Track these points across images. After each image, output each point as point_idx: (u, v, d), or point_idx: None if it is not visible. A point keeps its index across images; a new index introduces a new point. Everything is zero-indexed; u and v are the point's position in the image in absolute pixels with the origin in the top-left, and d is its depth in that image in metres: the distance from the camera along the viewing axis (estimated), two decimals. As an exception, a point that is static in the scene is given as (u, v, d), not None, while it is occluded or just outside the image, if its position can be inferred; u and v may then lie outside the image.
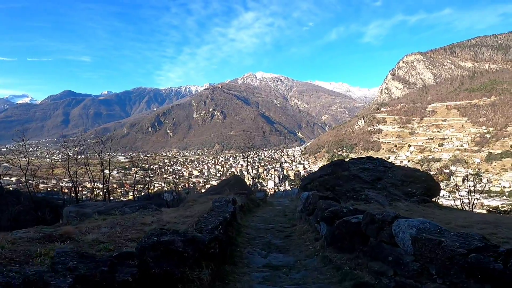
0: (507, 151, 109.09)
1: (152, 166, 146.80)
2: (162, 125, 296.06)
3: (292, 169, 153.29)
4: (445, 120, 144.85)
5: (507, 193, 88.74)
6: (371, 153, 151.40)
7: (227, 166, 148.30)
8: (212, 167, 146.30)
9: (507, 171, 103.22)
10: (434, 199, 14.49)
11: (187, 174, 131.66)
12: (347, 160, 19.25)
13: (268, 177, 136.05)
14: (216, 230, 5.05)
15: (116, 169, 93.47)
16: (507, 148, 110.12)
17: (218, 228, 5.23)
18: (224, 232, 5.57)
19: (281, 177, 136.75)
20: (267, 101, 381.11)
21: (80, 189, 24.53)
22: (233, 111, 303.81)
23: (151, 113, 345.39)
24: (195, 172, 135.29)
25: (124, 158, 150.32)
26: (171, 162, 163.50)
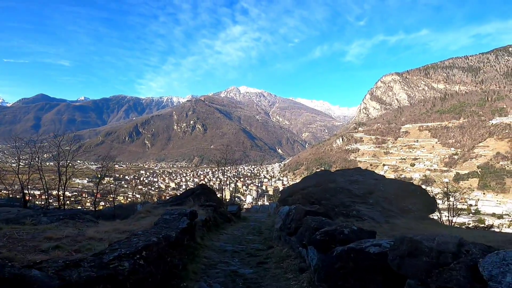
0: (474, 171, 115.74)
1: (126, 177, 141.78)
2: (140, 135, 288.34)
3: (271, 185, 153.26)
4: (417, 141, 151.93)
5: (473, 211, 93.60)
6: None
7: (206, 179, 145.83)
8: (190, 180, 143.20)
9: (473, 191, 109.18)
10: (431, 215, 13.38)
11: (163, 186, 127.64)
12: (333, 170, 18.29)
13: (247, 192, 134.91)
14: (127, 260, 3.09)
15: (87, 178, 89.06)
16: (473, 169, 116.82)
17: (133, 256, 3.23)
18: (153, 260, 3.59)
19: (259, 192, 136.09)
20: (249, 116, 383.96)
21: (44, 196, 22.72)
22: (215, 124, 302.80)
23: (129, 122, 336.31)
24: (172, 185, 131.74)
25: (97, 167, 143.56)
26: (148, 173, 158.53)
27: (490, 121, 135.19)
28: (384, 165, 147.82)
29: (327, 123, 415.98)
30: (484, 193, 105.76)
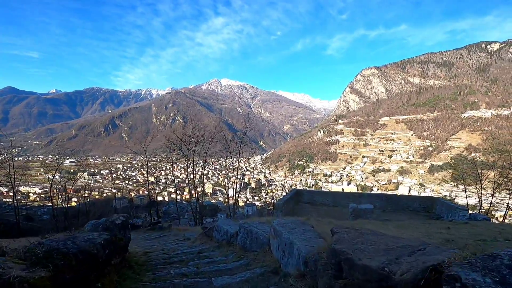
0: (448, 163, 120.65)
1: (102, 171, 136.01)
2: (117, 128, 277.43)
3: (254, 177, 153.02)
4: (394, 133, 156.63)
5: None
6: (329, 163, 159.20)
7: (187, 173, 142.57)
8: (170, 174, 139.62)
9: (447, 182, 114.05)
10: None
11: (142, 180, 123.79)
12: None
13: (229, 185, 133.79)
14: None
15: (59, 173, 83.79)
16: (447, 160, 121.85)
17: None
18: None
19: (242, 185, 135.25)
20: (230, 109, 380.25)
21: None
22: (195, 117, 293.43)
23: (105, 115, 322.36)
24: (151, 178, 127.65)
25: (70, 162, 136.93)
26: (125, 167, 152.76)
27: (462, 114, 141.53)
28: (363, 156, 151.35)
29: (308, 115, 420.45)
30: (457, 185, 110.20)
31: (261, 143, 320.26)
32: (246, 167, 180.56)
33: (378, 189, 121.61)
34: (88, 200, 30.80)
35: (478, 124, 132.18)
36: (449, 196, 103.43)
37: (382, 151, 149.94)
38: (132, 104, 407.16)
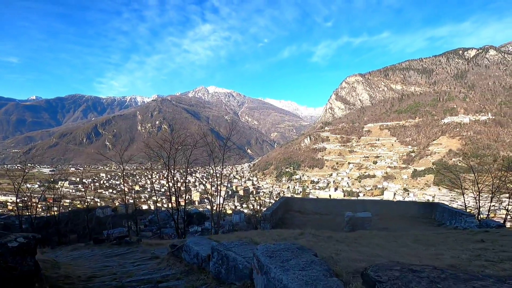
0: (429, 168, 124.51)
1: (84, 180, 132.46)
2: (100, 136, 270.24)
3: (241, 185, 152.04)
4: (378, 140, 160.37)
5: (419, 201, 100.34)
6: (316, 170, 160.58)
7: (167, 180, 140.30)
8: (156, 182, 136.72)
9: (430, 186, 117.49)
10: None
11: (127, 189, 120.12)
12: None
13: (216, 193, 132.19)
14: None
15: (38, 182, 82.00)
16: (429, 166, 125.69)
17: None
18: None
19: (230, 193, 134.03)
20: (217, 116, 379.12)
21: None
22: (182, 125, 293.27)
23: (88, 123, 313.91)
24: (137, 187, 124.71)
25: (50, 171, 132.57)
26: (109, 176, 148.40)
27: (442, 120, 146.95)
28: (349, 163, 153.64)
29: (295, 123, 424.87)
30: (439, 189, 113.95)
31: (248, 150, 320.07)
32: (233, 175, 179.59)
33: (364, 195, 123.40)
34: (70, 209, 29.39)
35: (458, 129, 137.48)
36: (432, 200, 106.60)
37: (367, 157, 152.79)
38: (116, 112, 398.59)
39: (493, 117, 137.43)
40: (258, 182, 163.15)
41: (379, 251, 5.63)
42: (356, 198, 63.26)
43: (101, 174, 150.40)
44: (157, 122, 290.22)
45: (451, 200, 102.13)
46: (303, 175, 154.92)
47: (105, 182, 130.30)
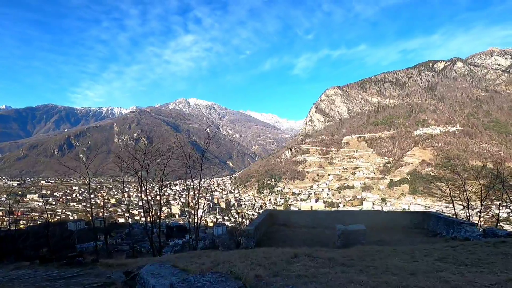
0: (404, 178, 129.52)
1: (56, 193, 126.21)
2: (74, 148, 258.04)
3: (223, 197, 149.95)
4: (356, 151, 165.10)
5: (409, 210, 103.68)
6: (297, 182, 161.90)
7: (152, 194, 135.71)
8: (134, 195, 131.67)
9: (405, 196, 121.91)
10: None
11: (101, 203, 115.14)
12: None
13: (197, 206, 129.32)
14: None
15: (5, 195, 75.82)
16: (404, 176, 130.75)
17: None
18: None
19: (211, 205, 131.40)
20: (198, 129, 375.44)
21: None
22: (161, 137, 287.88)
23: (60, 134, 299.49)
24: (113, 200, 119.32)
25: (18, 183, 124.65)
26: (82, 189, 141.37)
27: (415, 132, 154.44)
28: (329, 174, 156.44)
29: (276, 135, 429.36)
30: (414, 198, 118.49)
31: (230, 163, 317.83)
32: (215, 188, 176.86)
33: (344, 205, 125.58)
34: (40, 222, 27.54)
35: (429, 140, 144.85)
36: (408, 209, 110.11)
37: (346, 168, 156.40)
38: (92, 123, 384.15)
39: (462, 128, 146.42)
40: (240, 195, 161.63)
41: (415, 281, 4.48)
42: (345, 209, 61.93)
43: (74, 187, 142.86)
44: (135, 135, 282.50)
45: (426, 208, 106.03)
46: (284, 187, 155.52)
47: (77, 195, 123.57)
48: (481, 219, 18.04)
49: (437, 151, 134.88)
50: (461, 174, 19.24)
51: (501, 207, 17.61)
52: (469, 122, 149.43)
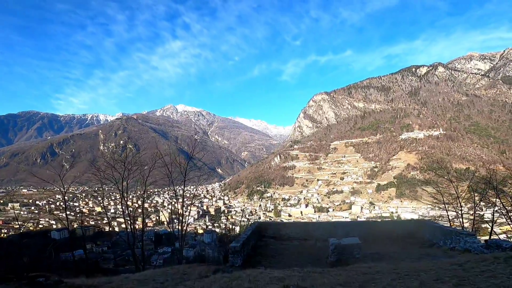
0: (391, 182, 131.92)
1: (38, 202, 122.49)
2: (57, 156, 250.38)
3: (212, 204, 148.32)
4: (344, 156, 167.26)
5: (395, 218, 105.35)
6: (286, 188, 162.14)
7: (139, 202, 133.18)
8: (119, 203, 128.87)
9: (393, 199, 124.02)
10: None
11: (86, 211, 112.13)
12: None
13: (187, 213, 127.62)
14: None
15: None
16: (391, 180, 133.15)
17: None
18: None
19: (200, 212, 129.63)
20: (187, 136, 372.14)
21: None
22: (149, 144, 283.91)
23: (43, 142, 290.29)
24: (98, 209, 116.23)
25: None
26: (66, 197, 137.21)
27: (400, 136, 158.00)
28: (318, 180, 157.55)
29: (264, 142, 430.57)
30: (401, 201, 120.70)
31: (219, 170, 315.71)
32: (204, 195, 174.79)
33: (333, 210, 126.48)
34: (22, 231, 26.50)
35: (414, 144, 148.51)
36: (395, 212, 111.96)
37: (335, 173, 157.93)
38: (76, 130, 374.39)
39: (444, 132, 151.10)
40: (229, 201, 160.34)
41: None
42: (337, 220, 60.40)
43: (58, 196, 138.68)
44: (121, 142, 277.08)
45: (412, 211, 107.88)
46: (274, 193, 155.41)
47: (61, 203, 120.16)
48: (466, 220, 17.92)
49: (422, 155, 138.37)
50: (454, 182, 18.84)
51: (494, 214, 17.40)
52: (451, 126, 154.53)
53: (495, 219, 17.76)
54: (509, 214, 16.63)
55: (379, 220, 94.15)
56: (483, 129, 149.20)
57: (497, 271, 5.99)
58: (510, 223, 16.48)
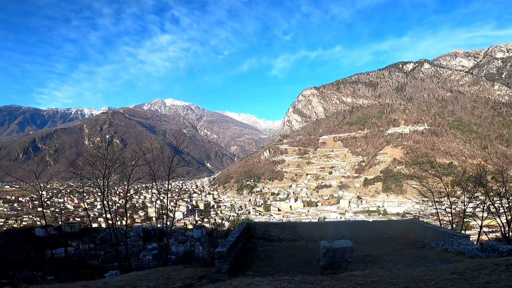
0: (378, 176, 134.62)
1: (21, 198, 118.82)
2: (40, 151, 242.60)
3: (201, 199, 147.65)
4: (333, 151, 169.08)
5: (382, 212, 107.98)
6: (276, 182, 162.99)
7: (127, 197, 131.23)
8: (106, 199, 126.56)
9: (379, 193, 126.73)
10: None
11: (72, 207, 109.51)
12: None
13: (176, 208, 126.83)
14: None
15: None
16: (377, 174, 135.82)
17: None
18: None
19: (190, 208, 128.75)
20: (175, 130, 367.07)
21: None
22: (136, 139, 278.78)
23: (25, 137, 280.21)
24: (84, 205, 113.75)
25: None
26: (50, 193, 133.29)
27: (386, 131, 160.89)
28: (307, 174, 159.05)
29: (254, 136, 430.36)
30: (387, 195, 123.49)
31: (208, 164, 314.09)
32: (193, 190, 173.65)
33: (322, 204, 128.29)
34: (5, 229, 25.59)
35: (400, 139, 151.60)
36: (382, 206, 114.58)
37: (323, 168, 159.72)
38: (59, 125, 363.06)
39: (429, 127, 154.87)
40: (219, 196, 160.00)
41: None
42: (327, 221, 59.33)
43: (42, 192, 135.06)
44: (107, 136, 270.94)
45: (398, 205, 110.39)
46: (263, 188, 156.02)
47: (45, 200, 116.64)
48: (448, 214, 17.93)
49: (407, 150, 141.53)
50: (438, 178, 18.86)
51: (476, 208, 17.65)
52: (436, 122, 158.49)
53: (475, 212, 18.06)
54: (492, 209, 17.03)
55: (369, 216, 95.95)
56: (466, 125, 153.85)
57: (502, 282, 5.36)
58: (494, 218, 16.87)
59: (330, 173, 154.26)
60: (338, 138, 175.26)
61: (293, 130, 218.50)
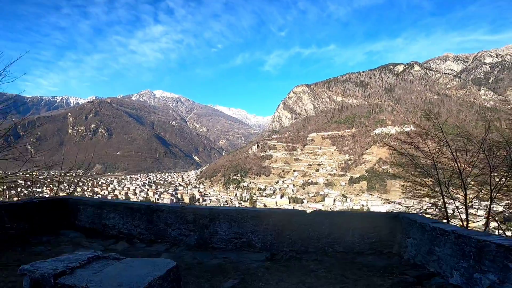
0: (363, 175, 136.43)
1: None
2: (21, 139, 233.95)
3: (187, 192, 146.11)
4: (320, 148, 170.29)
5: (365, 210, 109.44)
6: (263, 178, 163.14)
7: (109, 189, 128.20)
8: (89, 190, 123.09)
9: (364, 192, 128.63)
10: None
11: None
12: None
13: (160, 200, 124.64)
14: None
15: None
16: (363, 173, 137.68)
17: None
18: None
19: (174, 201, 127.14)
20: (163, 122, 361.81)
21: None
22: (122, 129, 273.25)
23: (5, 124, 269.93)
24: (64, 195, 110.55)
25: None
26: (29, 183, 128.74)
27: (374, 131, 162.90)
28: (294, 170, 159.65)
29: (243, 130, 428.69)
30: (372, 194, 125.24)
31: (196, 158, 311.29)
32: (179, 183, 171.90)
33: (308, 201, 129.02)
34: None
35: (386, 139, 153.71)
36: (366, 205, 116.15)
37: (311, 165, 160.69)
38: (43, 113, 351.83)
39: (414, 129, 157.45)
40: (205, 190, 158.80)
41: None
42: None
43: (20, 181, 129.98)
44: (92, 126, 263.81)
45: (381, 205, 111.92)
46: (250, 183, 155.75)
47: (23, 189, 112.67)
48: (427, 215, 17.32)
49: (392, 150, 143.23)
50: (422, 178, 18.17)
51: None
52: (421, 124, 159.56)
53: (455, 213, 17.71)
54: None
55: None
56: (450, 128, 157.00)
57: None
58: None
59: (317, 170, 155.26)
60: (326, 136, 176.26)
61: (283, 126, 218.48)
